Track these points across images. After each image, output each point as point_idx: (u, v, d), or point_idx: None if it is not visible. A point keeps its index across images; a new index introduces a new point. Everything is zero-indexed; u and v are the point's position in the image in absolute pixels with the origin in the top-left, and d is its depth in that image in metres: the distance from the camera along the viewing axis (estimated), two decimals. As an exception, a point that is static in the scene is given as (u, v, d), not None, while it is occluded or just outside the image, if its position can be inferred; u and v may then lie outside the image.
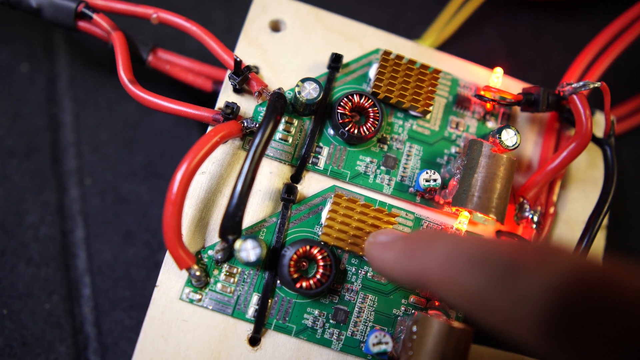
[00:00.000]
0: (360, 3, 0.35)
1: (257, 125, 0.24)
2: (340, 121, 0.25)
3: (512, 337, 0.15)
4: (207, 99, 0.28)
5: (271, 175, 0.25)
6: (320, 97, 0.24)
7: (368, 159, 0.26)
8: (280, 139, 0.25)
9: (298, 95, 0.24)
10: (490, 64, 0.28)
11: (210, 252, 0.24)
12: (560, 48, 0.36)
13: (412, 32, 0.33)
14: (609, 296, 0.14)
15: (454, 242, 0.18)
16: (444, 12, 0.33)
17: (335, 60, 0.26)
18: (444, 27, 0.33)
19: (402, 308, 0.25)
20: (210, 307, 0.23)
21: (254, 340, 0.23)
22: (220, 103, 0.25)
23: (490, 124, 0.27)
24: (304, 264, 0.24)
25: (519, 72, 0.30)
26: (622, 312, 0.13)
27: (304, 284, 0.23)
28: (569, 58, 0.29)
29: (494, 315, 0.15)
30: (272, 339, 0.23)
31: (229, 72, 0.25)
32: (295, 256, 0.23)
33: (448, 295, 0.17)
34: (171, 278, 0.23)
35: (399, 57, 0.26)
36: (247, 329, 0.23)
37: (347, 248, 0.24)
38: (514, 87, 0.28)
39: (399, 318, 0.24)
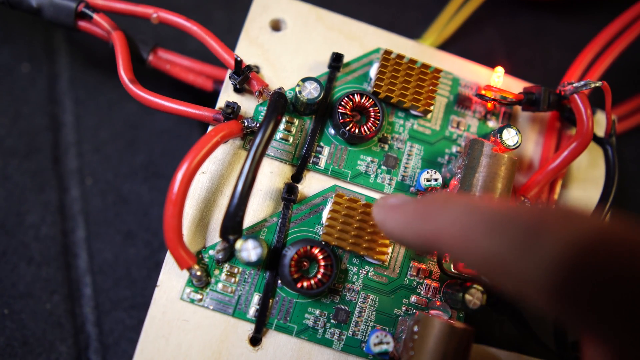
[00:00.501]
0: (361, 2, 0.35)
1: (257, 125, 0.24)
2: (341, 121, 0.25)
3: (526, 299, 0.15)
4: (208, 98, 0.28)
5: (272, 174, 0.25)
6: (321, 96, 0.24)
7: (369, 159, 0.26)
8: (280, 138, 0.25)
9: (299, 95, 0.24)
10: (490, 64, 0.28)
11: (211, 252, 0.24)
12: (560, 47, 0.36)
13: (413, 31, 0.33)
14: (622, 255, 0.13)
15: (472, 204, 0.17)
16: (445, 12, 0.33)
17: (336, 60, 0.26)
18: (444, 27, 0.33)
19: (403, 308, 0.24)
20: (211, 307, 0.23)
21: (255, 340, 0.23)
22: (220, 102, 0.25)
23: (491, 124, 0.27)
24: (305, 263, 0.24)
25: (519, 72, 0.30)
26: (636, 275, 0.13)
27: (305, 284, 0.23)
28: (569, 57, 0.29)
29: (510, 279, 0.15)
30: (273, 338, 0.23)
31: (229, 71, 0.25)
32: (296, 256, 0.23)
33: (463, 258, 0.16)
34: (172, 278, 0.23)
35: (400, 57, 0.26)
36: (248, 328, 0.23)
37: (348, 248, 0.24)
38: (515, 86, 0.28)
39: (400, 318, 0.24)
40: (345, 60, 0.27)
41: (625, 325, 0.13)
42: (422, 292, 0.25)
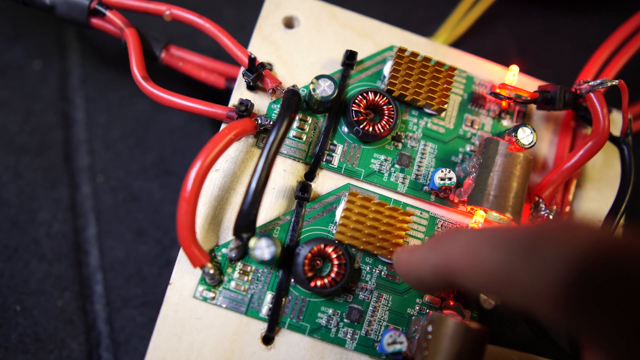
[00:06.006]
0: (372, 0, 0.35)
1: (271, 123, 0.24)
2: (355, 119, 0.24)
3: (534, 311, 0.15)
4: (220, 96, 0.28)
5: (285, 173, 0.25)
6: (335, 94, 0.24)
7: (382, 157, 0.25)
8: (294, 136, 0.25)
9: (312, 93, 0.24)
10: (502, 62, 0.28)
11: (224, 250, 0.24)
12: (572, 46, 0.35)
13: (424, 29, 0.33)
14: (628, 264, 0.14)
15: (476, 230, 0.18)
16: (457, 10, 0.33)
17: (350, 58, 0.26)
18: (456, 25, 0.32)
19: (417, 307, 0.24)
20: (224, 306, 0.23)
21: (268, 339, 0.23)
22: (234, 100, 0.25)
23: (506, 122, 0.27)
24: (318, 262, 0.24)
25: (531, 70, 0.30)
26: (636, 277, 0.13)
27: (318, 283, 0.23)
28: (581, 56, 0.29)
29: (516, 292, 0.15)
30: (285, 337, 0.23)
31: (242, 69, 0.25)
32: (309, 254, 0.23)
33: (471, 278, 0.17)
34: (185, 276, 0.23)
35: (414, 55, 0.25)
36: (261, 327, 0.23)
37: (361, 247, 0.23)
38: (529, 84, 0.28)
39: (413, 317, 0.24)
40: (359, 58, 0.26)
41: (633, 334, 0.13)
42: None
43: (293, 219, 0.24)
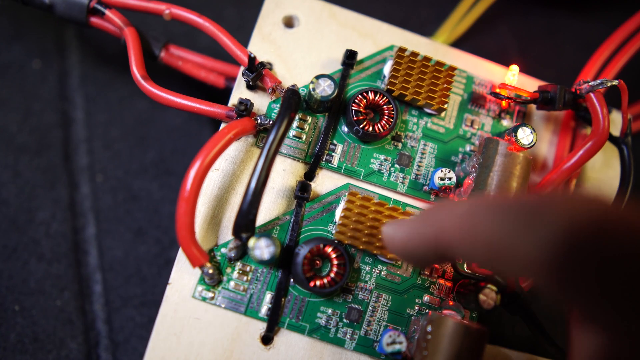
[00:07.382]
0: (373, 0, 0.35)
1: (271, 122, 0.24)
2: (355, 118, 0.24)
3: (528, 279, 0.15)
4: (220, 95, 0.28)
5: (284, 172, 0.25)
6: (335, 94, 0.24)
7: (382, 157, 0.25)
8: (294, 136, 0.25)
9: (312, 92, 0.24)
10: (503, 62, 0.28)
11: (223, 250, 0.24)
12: (572, 46, 0.35)
13: (424, 29, 0.33)
14: (623, 235, 0.14)
15: (472, 200, 0.18)
16: (457, 10, 0.33)
17: (350, 57, 0.26)
18: (456, 25, 0.32)
19: (416, 307, 0.24)
20: (223, 306, 0.23)
21: (267, 339, 0.23)
22: (233, 99, 0.25)
23: (505, 122, 0.27)
24: (318, 262, 0.24)
25: (532, 70, 0.30)
26: (635, 251, 0.13)
27: (318, 283, 0.23)
28: (582, 55, 0.29)
29: (513, 261, 0.15)
30: (285, 337, 0.23)
31: (242, 68, 0.25)
32: (309, 254, 0.23)
33: (467, 249, 0.17)
34: (184, 276, 0.23)
35: (414, 54, 0.25)
36: (260, 327, 0.23)
37: (361, 246, 0.23)
38: (529, 84, 0.28)
39: (412, 317, 0.24)
40: (359, 57, 0.26)
41: (628, 308, 0.13)
42: (435, 291, 0.25)
43: (293, 219, 0.24)
